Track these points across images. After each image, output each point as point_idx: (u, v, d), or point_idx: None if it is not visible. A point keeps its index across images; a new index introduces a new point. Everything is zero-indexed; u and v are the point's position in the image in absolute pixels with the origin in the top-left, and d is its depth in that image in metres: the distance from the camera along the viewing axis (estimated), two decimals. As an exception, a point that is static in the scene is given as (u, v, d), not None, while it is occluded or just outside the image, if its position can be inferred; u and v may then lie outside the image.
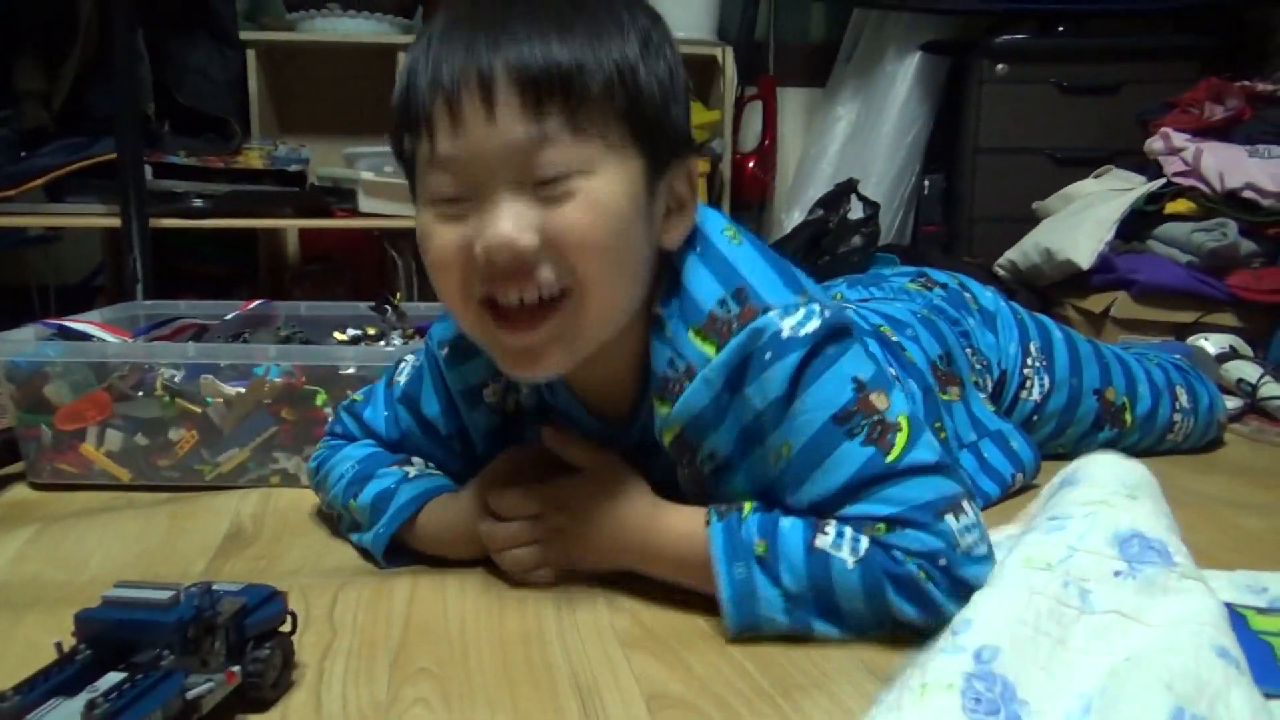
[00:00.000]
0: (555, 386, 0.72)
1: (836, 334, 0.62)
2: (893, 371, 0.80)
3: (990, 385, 0.97)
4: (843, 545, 0.59)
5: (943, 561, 0.58)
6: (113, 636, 0.49)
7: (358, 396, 0.84)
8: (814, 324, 0.61)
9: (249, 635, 0.53)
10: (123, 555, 0.77)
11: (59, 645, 0.49)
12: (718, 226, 0.67)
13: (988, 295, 1.03)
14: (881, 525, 0.59)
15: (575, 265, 0.58)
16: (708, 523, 0.62)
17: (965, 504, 0.60)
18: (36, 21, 1.57)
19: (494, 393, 0.75)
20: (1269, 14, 2.19)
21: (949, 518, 0.59)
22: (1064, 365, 1.00)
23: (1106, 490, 0.60)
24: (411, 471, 0.76)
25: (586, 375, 0.69)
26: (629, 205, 0.59)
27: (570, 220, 0.58)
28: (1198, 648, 0.47)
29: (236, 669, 0.51)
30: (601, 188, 0.58)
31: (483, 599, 0.67)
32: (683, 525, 0.65)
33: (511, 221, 0.57)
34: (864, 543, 0.59)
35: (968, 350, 0.95)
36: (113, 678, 0.47)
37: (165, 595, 0.50)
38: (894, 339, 0.87)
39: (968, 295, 1.01)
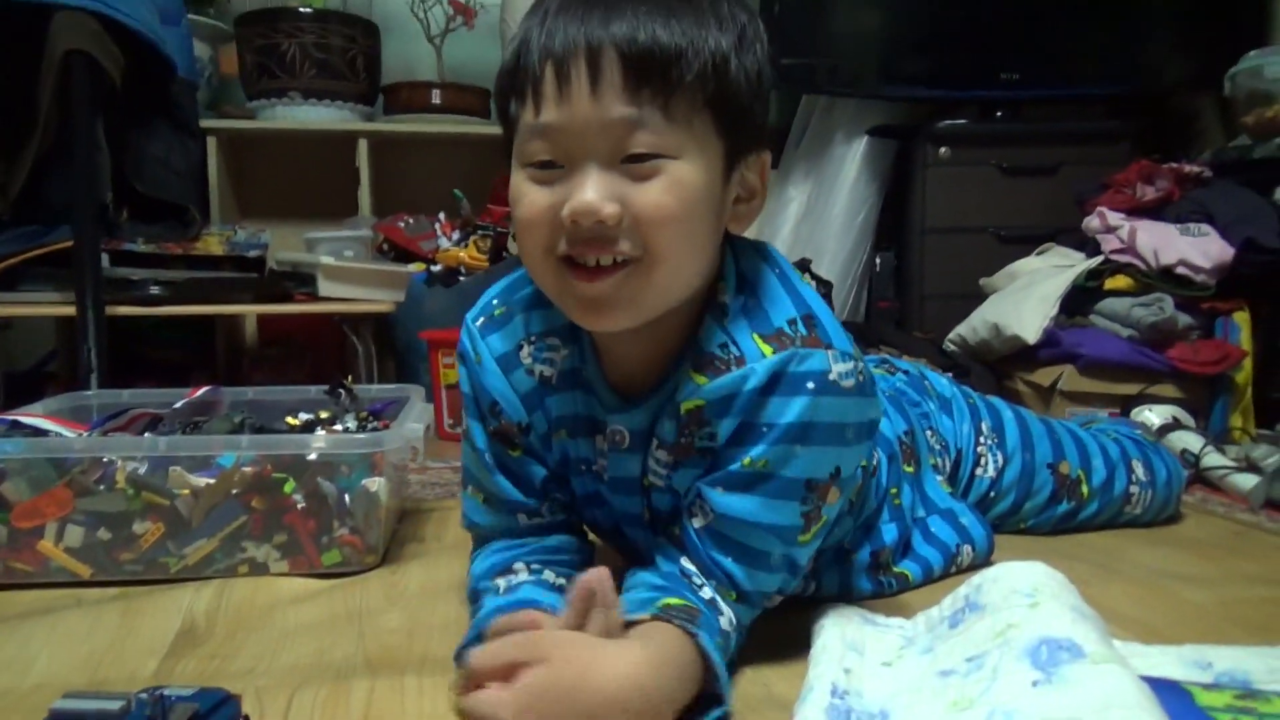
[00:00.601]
0: (587, 354, 0.74)
1: (865, 417, 0.69)
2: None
3: (948, 466, 1.01)
4: (728, 621, 0.67)
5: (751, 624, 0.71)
6: None
7: (462, 497, 0.83)
8: (851, 382, 0.67)
9: None
10: (70, 657, 0.75)
11: None
12: (790, 267, 0.73)
13: (943, 382, 1.08)
14: (734, 594, 0.69)
15: (650, 239, 0.63)
16: (690, 634, 0.62)
17: (785, 590, 0.73)
18: (-5, 114, 1.59)
19: (528, 354, 0.76)
20: (1192, 101, 2.32)
21: (771, 600, 0.72)
22: (1014, 441, 1.04)
23: (1009, 610, 0.63)
24: (503, 586, 0.73)
25: (629, 347, 0.71)
26: (705, 189, 0.64)
27: (651, 198, 0.62)
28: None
29: None
30: (683, 171, 0.63)
31: (442, 700, 0.67)
32: (673, 645, 0.61)
33: (598, 192, 0.61)
34: (733, 617, 0.68)
35: (928, 431, 0.99)
36: None
37: (115, 706, 0.49)
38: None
39: (926, 383, 1.06)
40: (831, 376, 0.66)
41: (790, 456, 0.66)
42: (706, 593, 0.68)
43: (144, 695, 0.51)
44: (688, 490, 0.71)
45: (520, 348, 0.76)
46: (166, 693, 0.52)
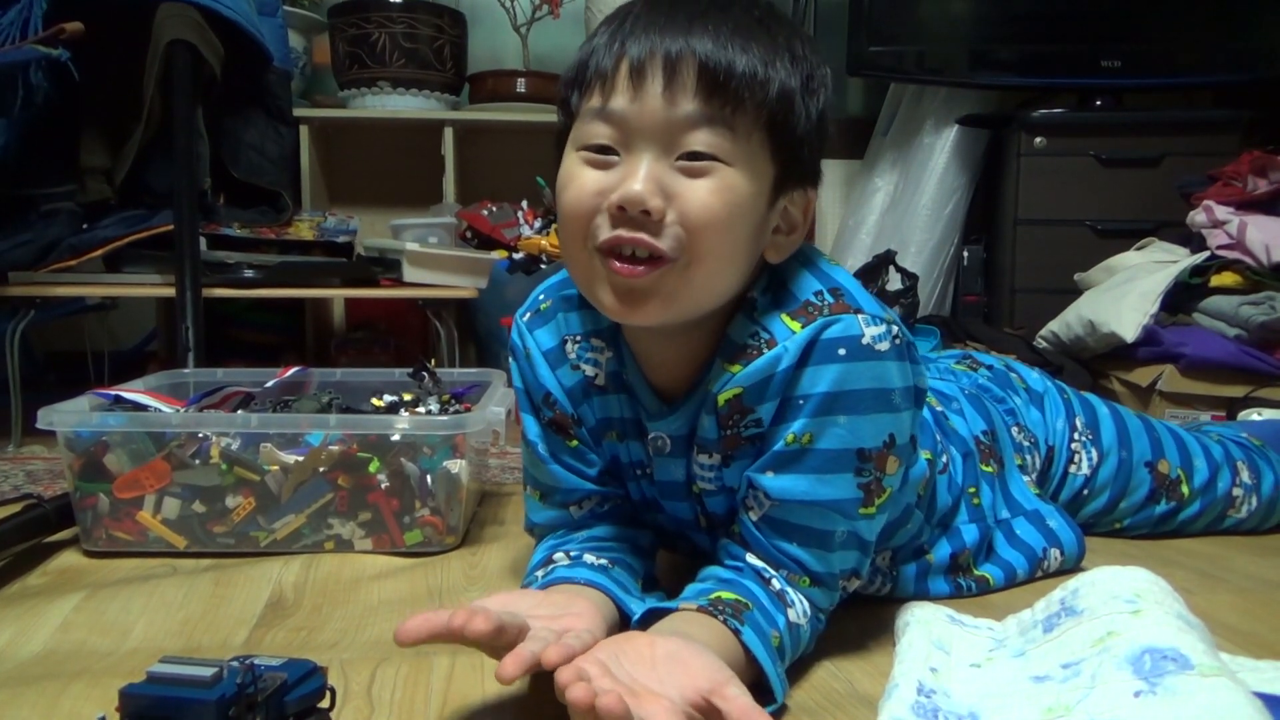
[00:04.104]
0: (626, 359, 0.74)
1: (909, 381, 0.67)
2: (937, 436, 0.84)
3: (1039, 463, 0.97)
4: (799, 612, 0.67)
5: (832, 609, 0.71)
6: (155, 714, 0.50)
7: (524, 499, 0.83)
8: (886, 345, 0.65)
9: (288, 712, 0.53)
10: (166, 623, 0.78)
11: None
12: (820, 255, 0.73)
13: (1034, 376, 1.04)
14: (807, 579, 0.68)
15: (691, 237, 0.63)
16: (735, 631, 0.62)
17: (860, 571, 0.71)
18: (103, 103, 1.65)
19: (573, 350, 0.76)
20: (1310, 87, 2.19)
21: (849, 581, 0.71)
22: (1111, 438, 1.00)
23: (1109, 616, 0.60)
24: (540, 576, 0.74)
25: (663, 351, 0.72)
26: (750, 202, 0.64)
27: (699, 197, 0.63)
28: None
29: None
30: (733, 178, 0.63)
31: (521, 680, 0.67)
32: (714, 641, 0.61)
33: (650, 183, 0.62)
34: (807, 606, 0.68)
35: (1014, 428, 0.95)
36: None
37: (208, 673, 0.50)
38: (938, 409, 0.89)
39: (1014, 375, 1.03)
40: (865, 340, 0.65)
41: (831, 426, 0.65)
42: (776, 585, 0.67)
43: (235, 664, 0.52)
44: (739, 485, 0.70)
45: (564, 344, 0.76)
46: (257, 662, 0.53)
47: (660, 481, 0.76)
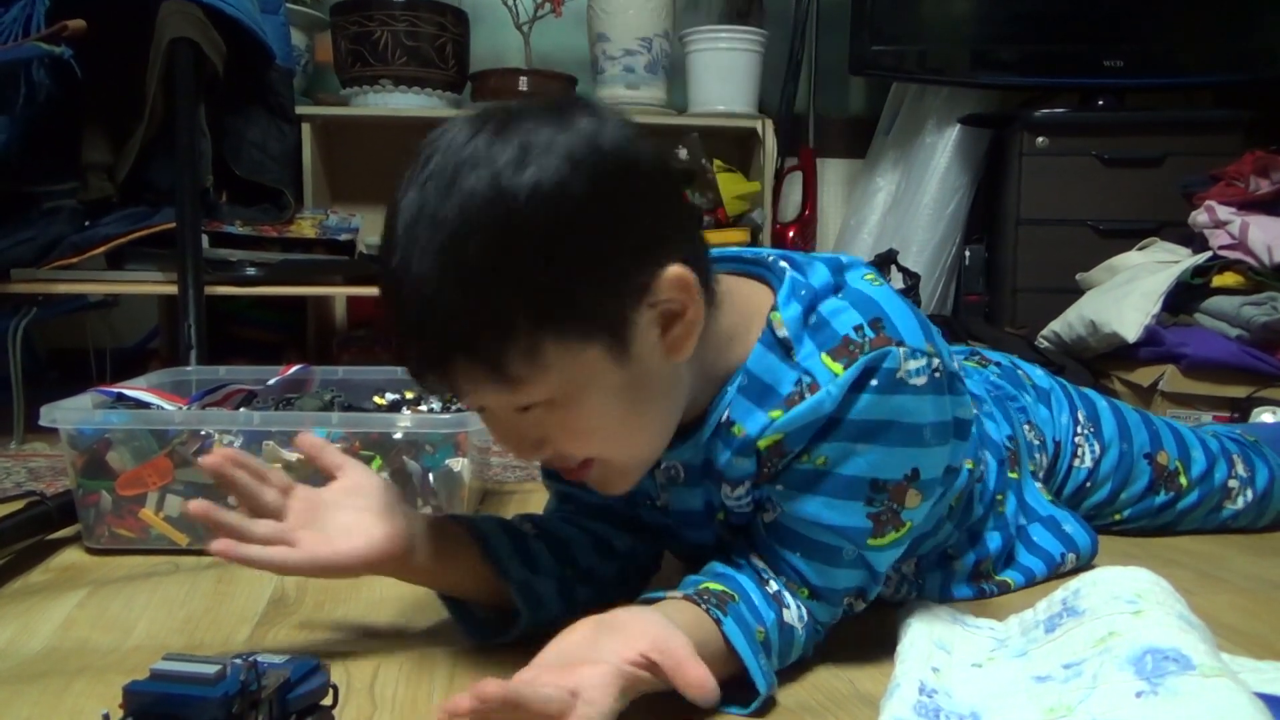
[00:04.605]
0: None
1: (945, 415, 0.66)
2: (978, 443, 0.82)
3: (1046, 461, 0.97)
4: (794, 615, 0.66)
5: (833, 624, 0.70)
6: (159, 710, 0.50)
7: None
8: (923, 379, 0.64)
9: (291, 710, 0.53)
10: (168, 621, 0.78)
11: (106, 717, 0.50)
12: (859, 274, 0.69)
13: (1039, 373, 1.04)
14: (806, 591, 0.67)
15: (579, 455, 0.63)
16: (717, 621, 0.62)
17: (867, 593, 0.69)
18: (105, 100, 1.65)
19: None
20: (1313, 88, 2.19)
21: (847, 601, 0.69)
22: (1111, 430, 1.00)
23: (1110, 616, 0.60)
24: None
25: None
26: (602, 396, 0.60)
27: (562, 437, 0.62)
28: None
29: None
30: (571, 409, 0.60)
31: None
32: (690, 625, 0.61)
33: (516, 444, 0.64)
34: (805, 613, 0.67)
35: (1025, 426, 0.95)
36: None
37: (211, 670, 0.50)
38: (974, 412, 0.87)
39: (1021, 373, 1.02)
40: (899, 374, 0.63)
41: (850, 454, 0.63)
42: (773, 586, 0.66)
43: (238, 661, 0.52)
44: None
45: None
46: (260, 659, 0.53)
47: (677, 511, 0.74)
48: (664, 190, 0.63)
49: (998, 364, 1.03)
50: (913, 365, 0.63)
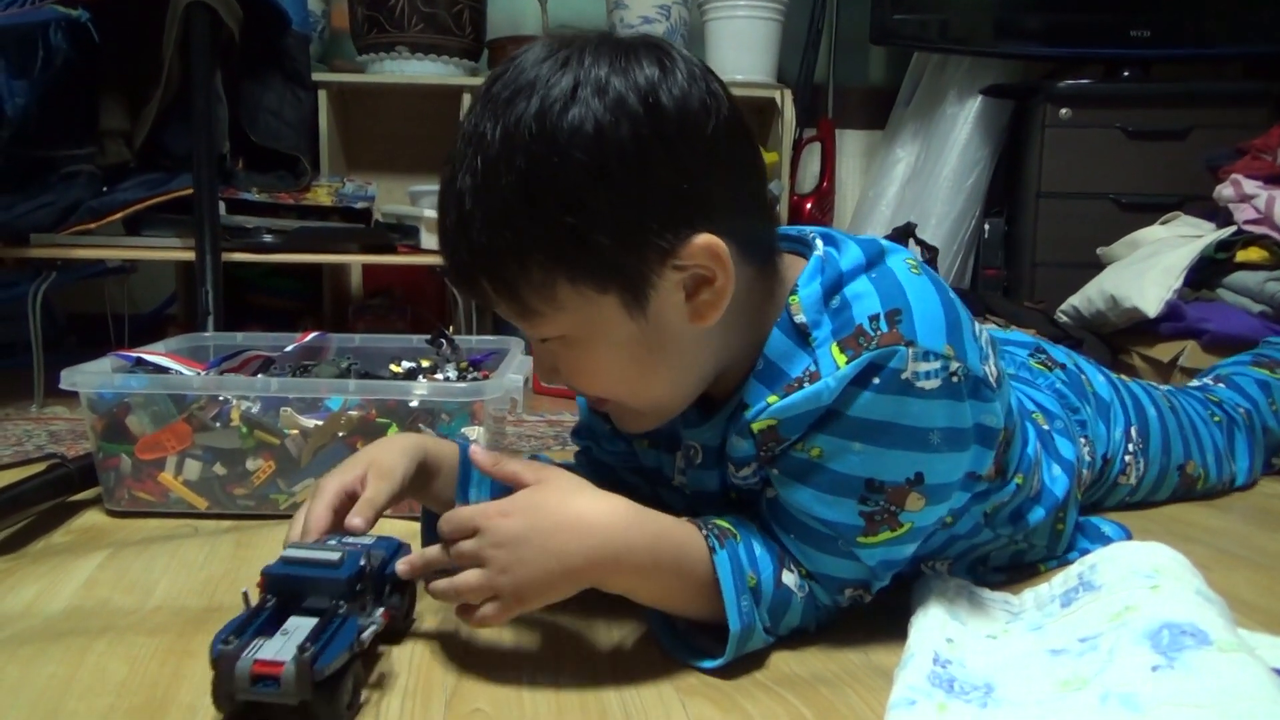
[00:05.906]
0: None
1: (959, 422, 0.64)
2: (1039, 458, 0.79)
3: (1090, 477, 0.94)
4: (795, 581, 0.65)
5: (833, 608, 0.69)
6: (291, 589, 0.59)
7: None
8: (934, 382, 0.61)
9: (387, 583, 0.64)
10: (188, 582, 0.79)
11: (246, 595, 0.59)
12: (900, 258, 0.66)
13: (1101, 381, 1.00)
14: (802, 571, 0.66)
15: (589, 393, 0.67)
16: (712, 549, 0.62)
17: (867, 591, 0.68)
18: (122, 65, 1.65)
19: None
20: (1344, 59, 2.14)
21: (848, 591, 0.68)
22: (1157, 446, 1.00)
23: (1127, 591, 0.60)
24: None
25: None
26: (612, 345, 0.62)
27: (572, 372, 0.65)
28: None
29: (381, 610, 0.62)
30: (583, 350, 0.63)
31: (541, 643, 0.68)
32: (679, 532, 0.62)
33: (539, 367, 0.67)
34: (804, 583, 0.66)
35: (1081, 440, 0.91)
36: (298, 621, 0.56)
37: (335, 555, 0.60)
38: (1045, 427, 0.85)
39: (1084, 378, 0.98)
40: (905, 375, 0.60)
41: (845, 450, 0.62)
42: (779, 550, 0.66)
43: (352, 548, 0.62)
44: None
45: None
46: (362, 542, 0.63)
47: (695, 492, 0.74)
48: (719, 157, 0.60)
49: (1063, 366, 0.98)
50: (922, 367, 0.61)
